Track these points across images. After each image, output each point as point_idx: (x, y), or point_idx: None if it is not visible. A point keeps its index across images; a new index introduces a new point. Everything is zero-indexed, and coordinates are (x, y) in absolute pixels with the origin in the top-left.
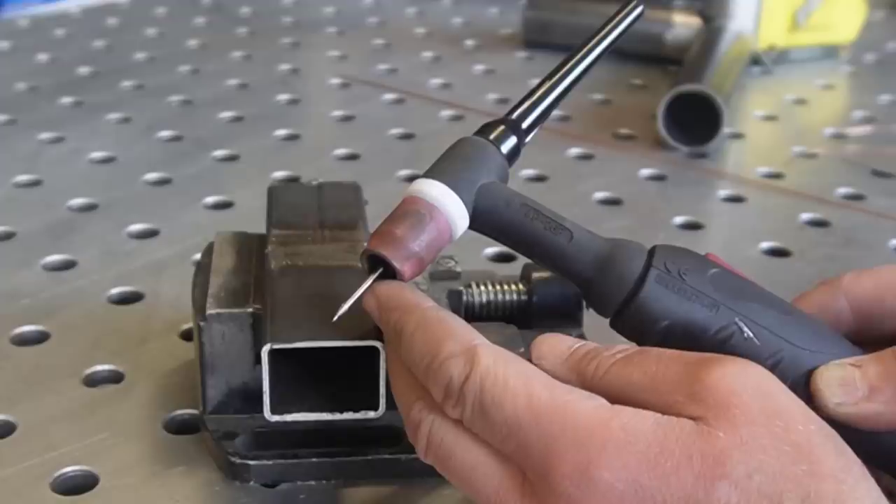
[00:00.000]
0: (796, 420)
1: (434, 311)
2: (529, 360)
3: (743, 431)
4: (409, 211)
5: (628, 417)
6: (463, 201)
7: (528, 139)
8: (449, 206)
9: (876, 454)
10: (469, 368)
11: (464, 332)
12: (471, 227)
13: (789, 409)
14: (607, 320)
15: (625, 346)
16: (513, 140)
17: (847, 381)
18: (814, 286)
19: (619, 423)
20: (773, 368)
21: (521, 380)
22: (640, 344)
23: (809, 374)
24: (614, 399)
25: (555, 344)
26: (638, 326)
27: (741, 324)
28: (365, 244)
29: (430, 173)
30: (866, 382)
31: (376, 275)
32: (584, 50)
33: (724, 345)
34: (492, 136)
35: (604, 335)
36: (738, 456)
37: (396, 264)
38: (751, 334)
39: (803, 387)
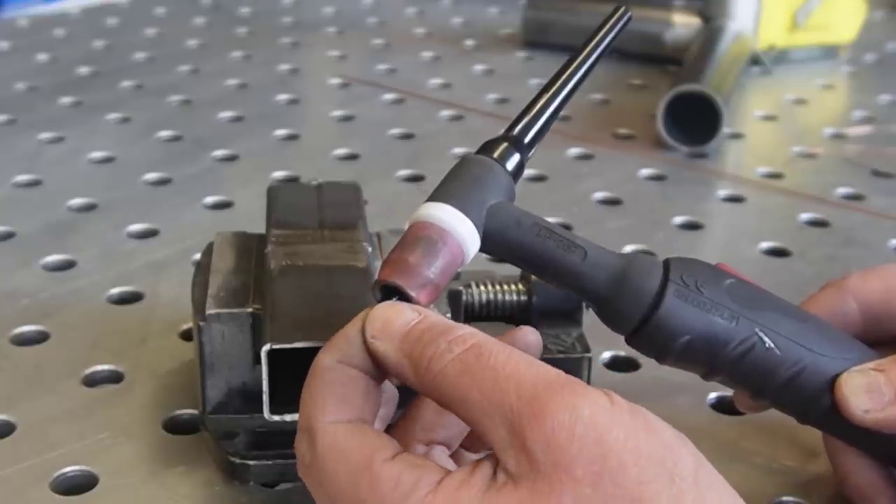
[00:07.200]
0: (626, 464)
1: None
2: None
3: (566, 499)
4: (421, 237)
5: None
6: (473, 223)
7: (530, 154)
8: (460, 229)
9: None
10: None
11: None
12: (481, 249)
13: (618, 452)
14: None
15: (465, 335)
16: (516, 157)
17: (873, 387)
18: (820, 289)
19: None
20: (795, 377)
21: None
22: (658, 360)
23: (833, 381)
24: (447, 405)
25: (390, 320)
26: (658, 343)
27: (762, 334)
28: (364, 244)
29: (438, 196)
30: (891, 386)
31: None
32: (579, 59)
33: (744, 357)
34: (496, 155)
35: (604, 335)
36: None
37: (412, 293)
38: (772, 344)
39: (828, 394)
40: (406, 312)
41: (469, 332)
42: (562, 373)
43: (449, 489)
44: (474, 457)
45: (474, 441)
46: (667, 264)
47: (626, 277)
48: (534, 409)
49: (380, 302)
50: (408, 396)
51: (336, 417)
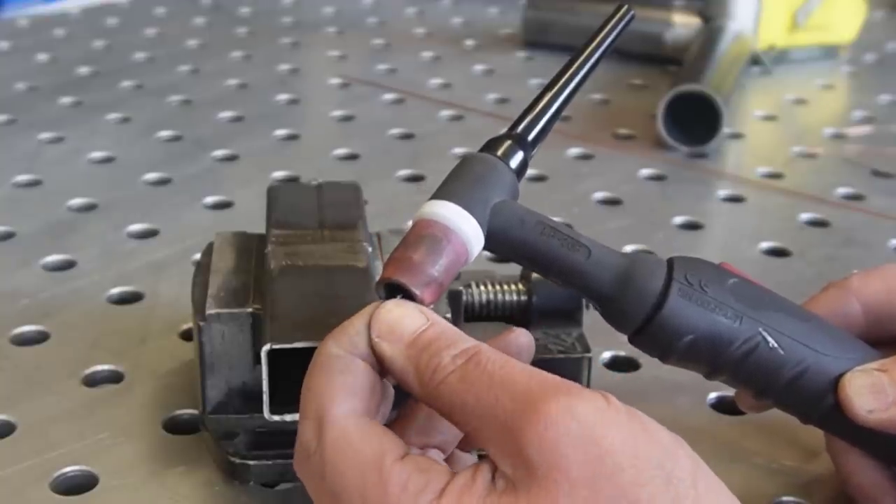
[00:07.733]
0: (623, 466)
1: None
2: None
3: (563, 501)
4: (425, 235)
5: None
6: (477, 221)
7: (534, 152)
8: (465, 227)
9: None
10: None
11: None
12: (485, 247)
13: (615, 453)
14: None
15: (469, 347)
16: (520, 155)
17: (876, 387)
18: (822, 289)
19: None
20: (798, 377)
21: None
22: (662, 359)
23: (836, 381)
24: (447, 415)
25: (397, 322)
26: (661, 342)
27: (765, 334)
28: (364, 244)
29: (442, 194)
30: (895, 386)
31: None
32: (581, 58)
33: (748, 356)
34: (499, 153)
35: (605, 335)
36: None
37: (416, 291)
38: (776, 344)
39: (831, 394)
40: (414, 316)
41: (473, 345)
42: (558, 377)
43: (452, 495)
44: (468, 457)
45: (467, 441)
46: (671, 263)
47: (631, 277)
48: (527, 409)
49: (384, 300)
50: (402, 397)
51: (347, 408)
